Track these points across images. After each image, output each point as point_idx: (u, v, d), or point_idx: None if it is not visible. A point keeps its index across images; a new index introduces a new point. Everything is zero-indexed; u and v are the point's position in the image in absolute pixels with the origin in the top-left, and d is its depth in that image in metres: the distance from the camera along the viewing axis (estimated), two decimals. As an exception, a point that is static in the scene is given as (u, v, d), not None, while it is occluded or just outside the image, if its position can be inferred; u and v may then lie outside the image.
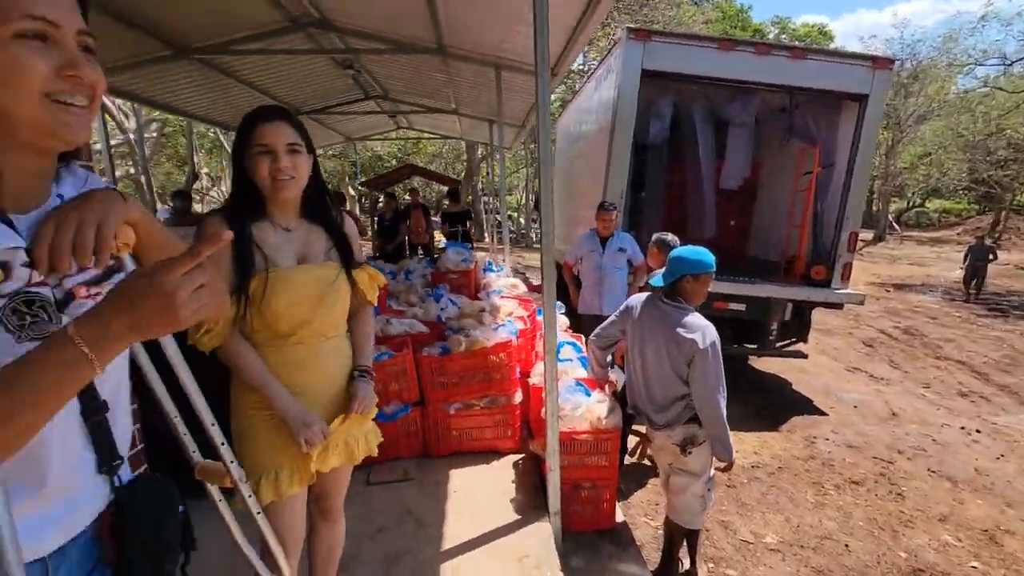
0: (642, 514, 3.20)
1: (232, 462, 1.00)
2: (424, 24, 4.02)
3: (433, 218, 8.80)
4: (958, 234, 27.69)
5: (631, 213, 5.68)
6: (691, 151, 5.74)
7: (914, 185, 30.56)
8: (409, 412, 2.98)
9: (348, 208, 7.85)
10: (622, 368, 2.79)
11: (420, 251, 8.11)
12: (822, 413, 4.97)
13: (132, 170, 13.64)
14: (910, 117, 23.52)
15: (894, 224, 30.13)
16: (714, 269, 2.25)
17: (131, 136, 12.55)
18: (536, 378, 3.02)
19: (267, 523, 1.15)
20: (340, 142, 11.66)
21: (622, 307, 2.54)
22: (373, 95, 7.21)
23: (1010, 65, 16.73)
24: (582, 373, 2.95)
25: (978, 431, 4.69)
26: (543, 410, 2.41)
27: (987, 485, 3.75)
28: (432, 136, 14.22)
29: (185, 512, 0.92)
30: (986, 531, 3.18)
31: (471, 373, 3.00)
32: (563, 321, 4.03)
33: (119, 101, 11.32)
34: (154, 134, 14.44)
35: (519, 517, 2.54)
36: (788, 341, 5.26)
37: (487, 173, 17.70)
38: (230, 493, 1.05)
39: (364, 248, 8.85)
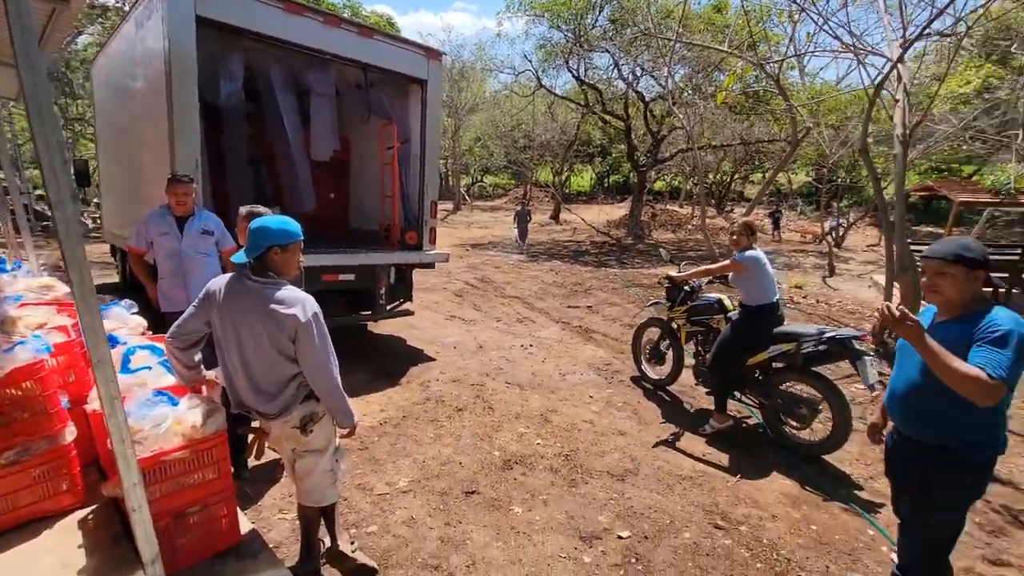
0: (276, 512, 2.93)
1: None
2: None
3: None
4: (504, 202, 36.88)
5: (213, 187, 4.95)
6: (275, 119, 5.37)
7: (473, 164, 39.10)
8: None
9: None
10: None
11: None
12: (431, 359, 5.69)
13: None
14: (464, 108, 29.25)
15: (464, 196, 37.42)
16: (302, 237, 2.13)
17: None
18: (96, 402, 2.28)
19: None
20: None
21: (201, 294, 2.14)
22: None
23: (517, 76, 22.54)
24: (170, 380, 2.39)
25: (531, 345, 6.34)
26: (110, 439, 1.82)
27: (540, 383, 5.10)
28: None
29: None
30: (542, 415, 4.33)
31: (-29, 424, 2.00)
32: (137, 322, 3.18)
33: None
34: None
35: (97, 589, 1.90)
36: (396, 302, 5.73)
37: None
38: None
39: None
